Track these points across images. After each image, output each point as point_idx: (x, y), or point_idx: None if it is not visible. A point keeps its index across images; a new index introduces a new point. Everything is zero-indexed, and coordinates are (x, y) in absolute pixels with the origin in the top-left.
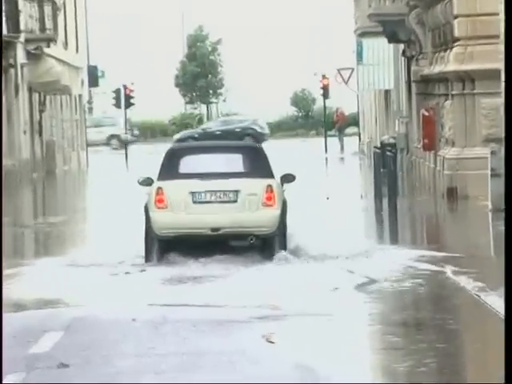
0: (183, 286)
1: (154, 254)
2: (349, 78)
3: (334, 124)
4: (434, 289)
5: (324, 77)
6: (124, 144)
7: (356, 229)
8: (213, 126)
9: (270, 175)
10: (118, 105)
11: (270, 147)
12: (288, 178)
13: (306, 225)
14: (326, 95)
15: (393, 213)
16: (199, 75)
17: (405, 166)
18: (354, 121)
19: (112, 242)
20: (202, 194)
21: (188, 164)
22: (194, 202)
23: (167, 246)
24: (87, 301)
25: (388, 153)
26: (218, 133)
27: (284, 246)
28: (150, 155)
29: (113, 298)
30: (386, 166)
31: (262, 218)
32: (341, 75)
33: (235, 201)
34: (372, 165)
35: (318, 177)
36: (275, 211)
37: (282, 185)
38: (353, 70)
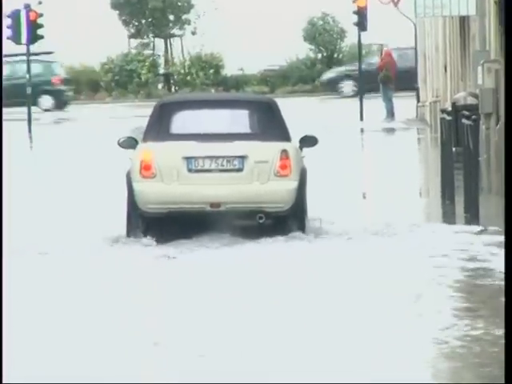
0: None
1: (138, 234)
2: None
3: (376, 73)
4: None
5: None
6: (27, 104)
7: (406, 260)
8: None
9: (286, 138)
10: (16, 38)
11: None
12: (308, 141)
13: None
14: (362, 25)
15: (473, 222)
16: None
17: (493, 142)
18: (408, 68)
19: None
20: (200, 161)
21: (182, 122)
22: (189, 171)
23: (154, 224)
24: None
25: (465, 121)
26: None
27: (302, 227)
28: (70, 123)
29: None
30: (461, 142)
31: (274, 192)
32: None
33: (241, 169)
34: (438, 141)
35: (349, 161)
36: (291, 183)
37: (301, 149)
38: None
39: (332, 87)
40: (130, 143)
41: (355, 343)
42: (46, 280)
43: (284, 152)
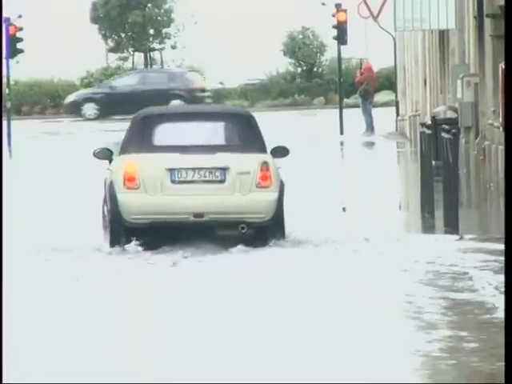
0: None
1: (121, 243)
2: (380, 10)
3: (356, 87)
4: None
5: (339, 8)
6: (7, 118)
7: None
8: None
9: (264, 149)
10: None
11: None
12: (280, 152)
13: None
14: (342, 39)
15: (452, 233)
16: (131, 4)
17: (472, 156)
18: (388, 82)
19: None
20: (183, 172)
21: (164, 134)
22: (173, 182)
23: (137, 235)
24: None
25: (445, 134)
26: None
27: (282, 237)
28: (52, 137)
29: None
30: (440, 156)
31: (255, 203)
32: (367, 6)
33: (223, 180)
34: (418, 154)
35: (329, 174)
36: (272, 194)
37: None
38: None
39: (76, 110)
40: (106, 154)
41: (348, 344)
42: (41, 286)
43: (265, 164)
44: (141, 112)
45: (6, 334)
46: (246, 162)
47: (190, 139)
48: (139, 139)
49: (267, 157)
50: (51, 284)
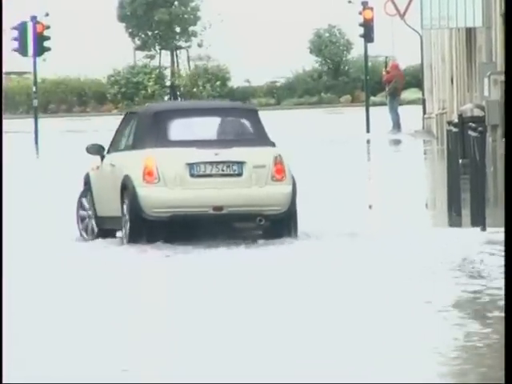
0: None
1: (142, 238)
2: (407, 8)
3: (383, 85)
4: None
5: (366, 6)
6: (34, 115)
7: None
8: None
9: (272, 143)
10: (22, 50)
11: (273, 122)
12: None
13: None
14: (368, 37)
15: (479, 230)
16: (158, 2)
17: (499, 154)
18: (415, 80)
19: None
20: (201, 166)
21: (178, 129)
22: (192, 176)
23: (156, 228)
24: None
25: (471, 133)
26: None
27: (295, 231)
28: (78, 135)
29: None
30: (467, 154)
31: (272, 195)
32: (394, 4)
33: (240, 174)
34: (445, 153)
35: (355, 172)
36: (287, 187)
37: None
38: None
39: None
40: (98, 149)
41: (360, 341)
42: (56, 282)
43: (278, 157)
44: (149, 107)
45: (5, 333)
46: (260, 156)
47: (204, 134)
48: (153, 134)
49: (279, 150)
50: (51, 283)
